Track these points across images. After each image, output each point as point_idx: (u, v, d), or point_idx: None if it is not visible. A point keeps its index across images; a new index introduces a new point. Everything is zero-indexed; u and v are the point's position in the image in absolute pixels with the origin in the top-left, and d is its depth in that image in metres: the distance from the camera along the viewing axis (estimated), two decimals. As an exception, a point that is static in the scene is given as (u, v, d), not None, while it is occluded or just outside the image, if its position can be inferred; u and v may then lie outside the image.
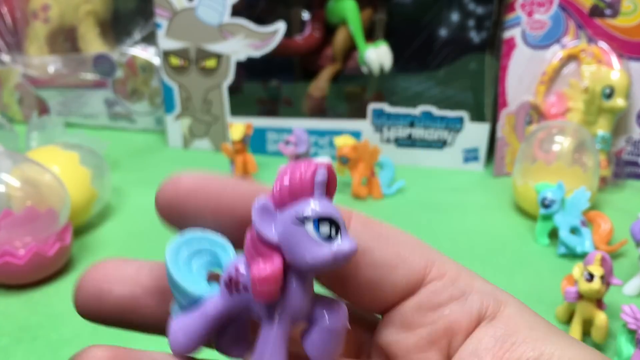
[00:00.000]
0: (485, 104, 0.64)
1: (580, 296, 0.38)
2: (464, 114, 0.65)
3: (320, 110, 0.69)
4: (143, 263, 0.18)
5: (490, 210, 0.58)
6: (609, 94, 0.58)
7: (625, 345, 0.35)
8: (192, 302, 0.16)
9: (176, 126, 0.72)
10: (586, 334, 0.39)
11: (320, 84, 0.68)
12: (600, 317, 0.37)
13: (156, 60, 0.74)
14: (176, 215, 0.17)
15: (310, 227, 0.15)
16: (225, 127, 0.70)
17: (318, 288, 0.17)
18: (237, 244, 0.17)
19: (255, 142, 0.69)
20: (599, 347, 0.38)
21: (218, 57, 0.67)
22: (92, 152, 0.53)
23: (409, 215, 0.56)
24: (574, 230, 0.49)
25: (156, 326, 0.18)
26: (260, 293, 0.15)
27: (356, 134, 0.67)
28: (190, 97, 0.70)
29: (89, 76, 0.76)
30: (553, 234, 0.51)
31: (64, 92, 0.78)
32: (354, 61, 0.67)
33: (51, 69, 0.77)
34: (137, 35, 0.75)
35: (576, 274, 0.38)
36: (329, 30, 0.67)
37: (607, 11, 0.59)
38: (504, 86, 0.62)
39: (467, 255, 0.49)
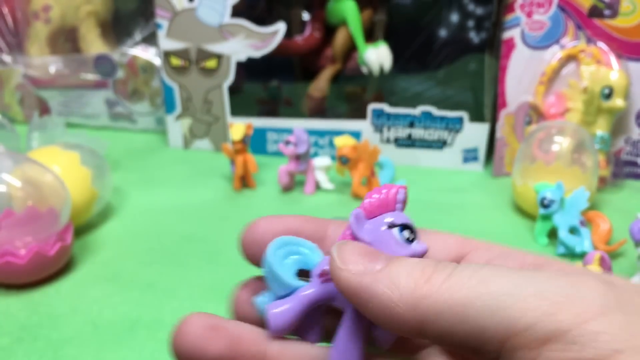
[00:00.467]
0: (485, 104, 0.64)
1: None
2: (463, 114, 0.65)
3: (320, 111, 0.69)
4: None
5: (489, 210, 0.58)
6: (608, 94, 0.58)
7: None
8: (287, 293, 0.20)
9: (177, 126, 0.72)
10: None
11: (320, 84, 0.68)
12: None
13: (157, 61, 0.74)
14: (258, 254, 0.21)
15: (396, 231, 0.19)
16: (225, 127, 0.70)
17: None
18: None
19: (256, 142, 0.69)
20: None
21: (218, 57, 0.67)
22: (92, 152, 0.53)
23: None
24: (573, 230, 0.49)
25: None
26: None
27: (356, 134, 0.67)
28: (190, 97, 0.70)
29: (90, 76, 0.76)
30: (552, 234, 0.51)
31: (64, 92, 0.78)
32: (354, 61, 0.67)
33: (52, 70, 0.77)
34: (137, 35, 0.75)
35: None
36: (329, 30, 0.67)
37: (606, 12, 0.59)
38: (504, 86, 0.62)
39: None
